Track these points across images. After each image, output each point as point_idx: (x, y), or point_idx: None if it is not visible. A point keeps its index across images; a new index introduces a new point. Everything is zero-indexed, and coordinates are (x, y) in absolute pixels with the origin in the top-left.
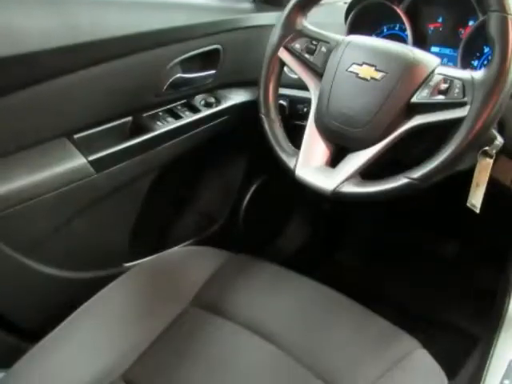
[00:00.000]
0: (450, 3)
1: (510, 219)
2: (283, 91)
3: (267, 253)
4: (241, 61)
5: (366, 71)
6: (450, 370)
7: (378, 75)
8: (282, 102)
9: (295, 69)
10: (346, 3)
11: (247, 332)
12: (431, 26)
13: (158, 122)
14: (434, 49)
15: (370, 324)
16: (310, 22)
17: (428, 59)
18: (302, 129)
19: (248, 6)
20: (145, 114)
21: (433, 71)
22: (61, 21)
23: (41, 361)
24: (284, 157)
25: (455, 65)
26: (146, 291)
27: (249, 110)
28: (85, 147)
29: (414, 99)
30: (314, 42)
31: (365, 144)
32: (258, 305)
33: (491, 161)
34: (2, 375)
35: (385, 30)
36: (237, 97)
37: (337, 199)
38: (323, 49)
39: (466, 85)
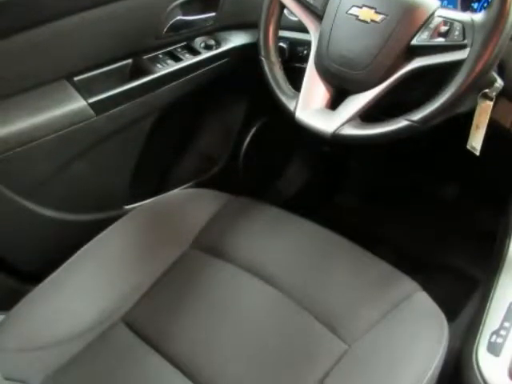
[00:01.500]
0: None
1: (509, 161)
2: (283, 34)
3: (267, 195)
4: (241, 3)
5: (366, 13)
6: (450, 312)
7: (378, 17)
8: (281, 44)
9: (295, 11)
10: None
11: (247, 274)
12: None
13: (158, 65)
14: None
15: (370, 266)
16: None
17: (428, 1)
18: (302, 71)
19: None
20: (145, 57)
21: (433, 13)
22: None
23: (41, 303)
24: (284, 99)
25: (455, 7)
26: (146, 233)
27: (249, 53)
28: (85, 89)
29: (414, 42)
30: None
31: (365, 86)
32: (258, 247)
33: (491, 103)
34: (2, 317)
35: None
36: (237, 39)
37: (337, 141)
38: None
39: (466, 27)
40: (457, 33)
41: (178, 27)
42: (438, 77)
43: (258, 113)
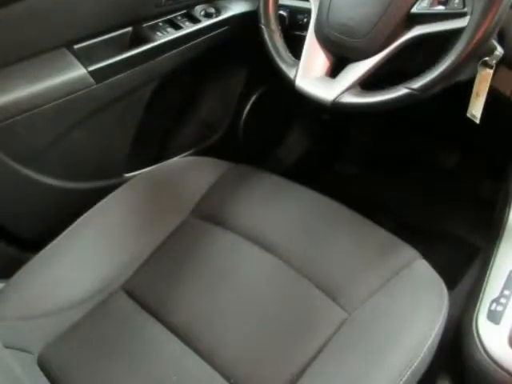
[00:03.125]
0: None
1: (509, 129)
2: (283, 1)
3: (267, 163)
4: None
5: None
6: (450, 281)
7: None
8: (282, 12)
9: None
10: None
11: (247, 242)
12: None
13: (158, 33)
14: None
15: (370, 234)
16: None
17: None
18: (302, 39)
19: None
20: (145, 25)
21: None
22: None
23: (41, 271)
24: (284, 67)
25: None
26: (146, 202)
27: (249, 21)
28: (85, 58)
29: (414, 9)
30: None
31: (365, 54)
32: (258, 215)
33: (491, 71)
34: (2, 285)
35: None
36: (237, 7)
37: (336, 109)
38: None
39: None
40: (457, 1)
41: None
42: (438, 45)
43: (258, 81)
